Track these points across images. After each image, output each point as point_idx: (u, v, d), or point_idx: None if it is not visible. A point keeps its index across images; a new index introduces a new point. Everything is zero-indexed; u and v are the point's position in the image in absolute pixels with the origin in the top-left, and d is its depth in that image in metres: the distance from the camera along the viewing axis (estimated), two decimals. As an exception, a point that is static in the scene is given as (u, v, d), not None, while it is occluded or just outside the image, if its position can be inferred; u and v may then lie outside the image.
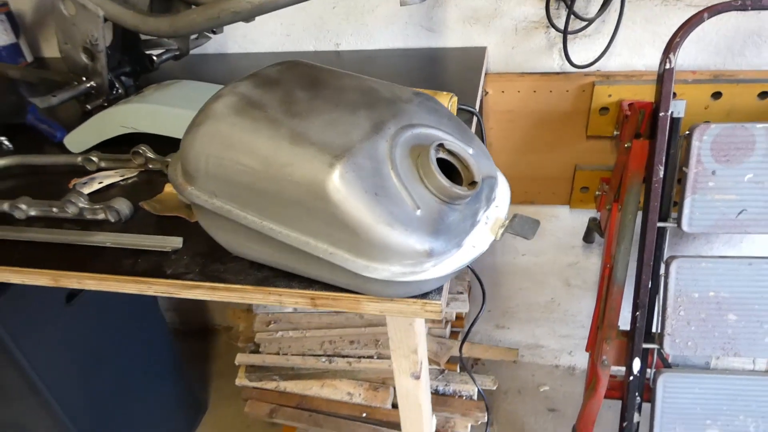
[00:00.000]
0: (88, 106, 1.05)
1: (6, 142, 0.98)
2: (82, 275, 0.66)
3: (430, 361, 1.39)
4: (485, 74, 1.24)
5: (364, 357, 1.35)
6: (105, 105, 1.04)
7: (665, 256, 1.12)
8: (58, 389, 1.18)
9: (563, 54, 1.19)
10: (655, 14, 1.15)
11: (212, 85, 1.00)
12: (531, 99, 1.28)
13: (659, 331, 1.14)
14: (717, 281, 1.09)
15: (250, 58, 1.36)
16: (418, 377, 0.76)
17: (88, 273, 0.66)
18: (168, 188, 0.79)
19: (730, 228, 1.06)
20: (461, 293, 1.45)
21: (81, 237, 0.70)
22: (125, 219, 0.74)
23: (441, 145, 0.55)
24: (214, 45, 1.37)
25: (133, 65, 1.12)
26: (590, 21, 1.14)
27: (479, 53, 1.21)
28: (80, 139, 0.93)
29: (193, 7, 0.91)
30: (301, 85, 0.59)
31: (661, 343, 1.14)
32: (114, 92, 1.08)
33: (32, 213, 0.77)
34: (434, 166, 0.52)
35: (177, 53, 1.18)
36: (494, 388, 1.49)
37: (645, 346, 1.15)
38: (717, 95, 1.17)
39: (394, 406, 1.36)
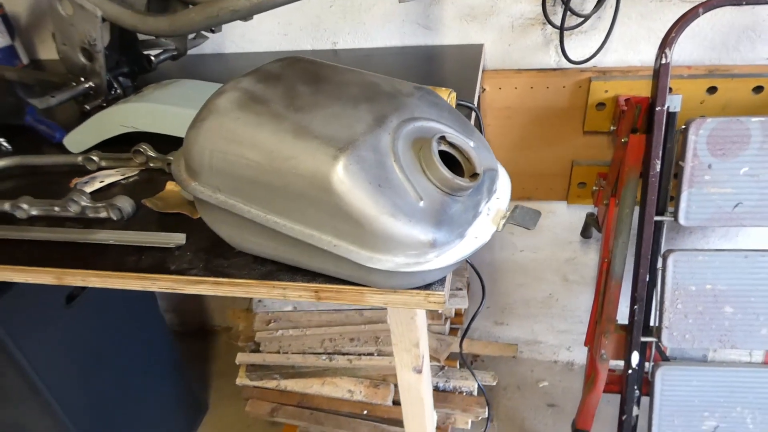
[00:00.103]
0: (87, 107, 1.06)
1: (5, 144, 0.98)
2: (86, 273, 0.66)
3: (430, 358, 1.40)
4: (482, 71, 1.25)
5: (364, 354, 1.36)
6: (103, 105, 1.04)
7: (662, 249, 1.13)
8: (58, 390, 1.18)
9: (560, 50, 1.20)
10: (650, 10, 1.16)
11: (211, 84, 1.00)
12: (528, 95, 1.29)
13: (657, 324, 1.15)
14: (714, 274, 1.10)
15: (247, 57, 1.36)
16: (420, 371, 0.77)
17: (92, 270, 0.66)
18: (169, 186, 0.80)
19: (726, 221, 1.08)
20: (460, 289, 1.45)
21: (84, 235, 0.71)
22: (127, 217, 0.74)
23: (443, 138, 0.55)
24: (211, 45, 1.38)
25: (131, 65, 1.12)
26: (586, 17, 1.15)
27: (476, 50, 1.21)
28: (80, 139, 0.94)
29: (191, 6, 0.92)
30: (303, 80, 0.60)
31: (659, 337, 1.14)
32: (112, 92, 1.08)
33: (34, 212, 0.77)
34: (436, 158, 0.52)
35: (175, 53, 1.18)
36: (494, 383, 1.50)
37: (643, 339, 1.16)
38: (712, 90, 1.19)
39: (395, 403, 1.36)
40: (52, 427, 1.21)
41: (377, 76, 0.63)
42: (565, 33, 1.19)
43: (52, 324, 1.17)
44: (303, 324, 1.41)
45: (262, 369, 1.43)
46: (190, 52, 1.21)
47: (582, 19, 1.16)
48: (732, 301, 1.11)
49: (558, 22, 1.15)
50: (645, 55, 1.22)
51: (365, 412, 1.40)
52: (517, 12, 1.21)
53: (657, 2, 1.15)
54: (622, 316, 1.18)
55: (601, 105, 1.25)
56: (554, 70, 1.26)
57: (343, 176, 0.49)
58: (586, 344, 1.33)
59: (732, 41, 1.17)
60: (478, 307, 1.13)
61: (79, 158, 0.89)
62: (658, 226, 1.11)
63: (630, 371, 1.18)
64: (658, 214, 1.09)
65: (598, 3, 1.14)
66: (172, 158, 0.84)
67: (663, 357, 1.22)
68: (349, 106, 0.56)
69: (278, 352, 1.41)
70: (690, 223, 1.08)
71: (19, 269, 0.69)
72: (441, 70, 1.20)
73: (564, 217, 1.51)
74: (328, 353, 1.37)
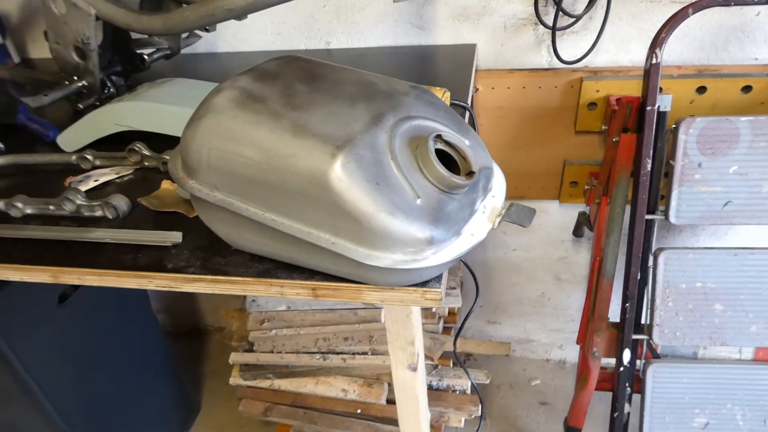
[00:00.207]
0: (80, 106, 1.05)
1: (-3, 142, 0.98)
2: (82, 271, 0.66)
3: (424, 356, 1.40)
4: (475, 71, 1.26)
5: (358, 353, 1.36)
6: (96, 104, 1.04)
7: (653, 248, 1.14)
8: (50, 390, 1.18)
9: (552, 50, 1.21)
10: (640, 11, 1.17)
11: (205, 83, 1.00)
12: (520, 95, 1.30)
13: (648, 322, 1.16)
14: (703, 272, 1.12)
15: (240, 57, 1.36)
16: (415, 369, 0.77)
17: (88, 269, 0.66)
18: (165, 184, 0.80)
19: (716, 219, 1.09)
20: (453, 288, 1.46)
21: (80, 233, 0.71)
22: (123, 215, 0.74)
23: (439, 136, 0.56)
24: (204, 44, 1.38)
25: (124, 64, 1.12)
26: (578, 17, 1.16)
27: (469, 50, 1.22)
28: (74, 137, 0.93)
29: (185, 5, 0.92)
30: (300, 78, 0.60)
31: (650, 334, 1.16)
32: (105, 91, 1.08)
33: (28, 211, 0.77)
34: (433, 157, 0.53)
35: (168, 52, 1.18)
36: (487, 382, 1.51)
37: (635, 337, 1.17)
38: (702, 90, 1.20)
39: (389, 401, 1.36)
40: (44, 428, 1.20)
41: (374, 75, 0.64)
42: (557, 33, 1.20)
43: (45, 324, 1.17)
44: (297, 323, 1.41)
45: (256, 368, 1.43)
46: (183, 51, 1.21)
47: (573, 19, 1.17)
48: (722, 298, 1.12)
49: (550, 23, 1.16)
50: (635, 55, 1.23)
51: (359, 411, 1.40)
52: (509, 12, 1.22)
53: (647, 3, 1.16)
54: (614, 314, 1.19)
55: (592, 105, 1.27)
56: (546, 70, 1.27)
57: (341, 174, 0.49)
58: (578, 342, 1.34)
59: (721, 41, 1.18)
60: (472, 306, 1.14)
61: (73, 157, 0.88)
62: (649, 224, 1.12)
63: (621, 369, 1.19)
64: (649, 212, 1.11)
65: (589, 3, 1.15)
66: (166, 157, 0.84)
67: (654, 354, 1.23)
68: (346, 104, 0.56)
69: (272, 352, 1.41)
70: (680, 221, 1.09)
71: (15, 267, 0.68)
72: (434, 70, 1.20)
73: (556, 216, 1.53)
74: (322, 352, 1.37)
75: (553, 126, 1.34)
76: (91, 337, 1.30)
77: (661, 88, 1.03)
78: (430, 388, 1.45)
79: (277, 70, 0.61)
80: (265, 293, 0.62)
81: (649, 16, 1.17)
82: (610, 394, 1.25)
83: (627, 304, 1.15)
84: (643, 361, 1.20)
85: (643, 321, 1.20)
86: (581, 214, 1.47)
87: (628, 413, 1.24)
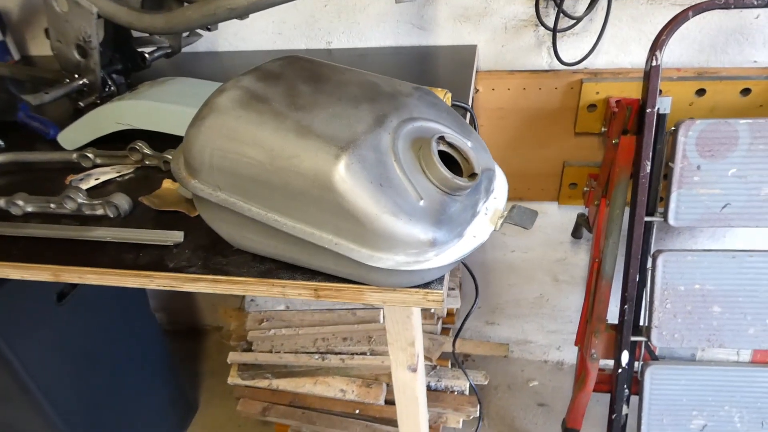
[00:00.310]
0: (81, 104, 1.05)
1: (-3, 140, 0.98)
2: (83, 270, 0.66)
3: (423, 357, 1.40)
4: (476, 72, 1.26)
5: (357, 354, 1.36)
6: (98, 102, 1.04)
7: (652, 250, 1.15)
8: (48, 388, 1.17)
9: (552, 52, 1.21)
10: (641, 13, 1.17)
11: (207, 82, 1.00)
12: (521, 96, 1.30)
13: (647, 324, 1.16)
14: (702, 274, 1.12)
15: (241, 56, 1.36)
16: (414, 370, 0.77)
17: (89, 267, 0.66)
18: (166, 184, 0.80)
19: (715, 222, 1.09)
20: (452, 289, 1.46)
21: (81, 232, 0.71)
22: (124, 214, 0.74)
23: (442, 138, 0.56)
24: (205, 43, 1.38)
25: (125, 63, 1.12)
26: (578, 19, 1.16)
27: (470, 51, 1.22)
28: (74, 136, 0.93)
29: (186, 4, 0.92)
30: (303, 79, 0.60)
31: (648, 336, 1.16)
32: (106, 90, 1.08)
33: (29, 209, 0.77)
34: (436, 158, 0.53)
35: (169, 51, 1.18)
36: (485, 383, 1.51)
37: (633, 339, 1.18)
38: (701, 92, 1.20)
39: (387, 402, 1.36)
40: (42, 426, 1.20)
41: (376, 76, 0.64)
42: (558, 35, 1.20)
43: (43, 322, 1.17)
44: (296, 323, 1.41)
45: (254, 368, 1.43)
46: (183, 50, 1.21)
47: (574, 21, 1.17)
48: (720, 300, 1.13)
49: (551, 24, 1.17)
50: (635, 57, 1.23)
51: (357, 411, 1.40)
52: (510, 13, 1.22)
53: (648, 5, 1.16)
54: (612, 315, 1.20)
55: (592, 106, 1.27)
56: (546, 71, 1.28)
57: (344, 175, 0.50)
58: (576, 344, 1.34)
59: (720, 44, 1.19)
60: (471, 307, 1.14)
61: (74, 155, 0.88)
62: (648, 226, 1.13)
63: (620, 370, 1.19)
64: (648, 214, 1.11)
65: (590, 5, 1.15)
66: (168, 156, 0.84)
67: (652, 356, 1.24)
68: (349, 105, 0.56)
69: (270, 352, 1.41)
70: (679, 223, 1.10)
71: (16, 266, 0.68)
72: (435, 71, 1.20)
73: (555, 218, 1.53)
74: (321, 353, 1.37)
75: (553, 127, 1.34)
76: (90, 335, 1.30)
77: (660, 91, 1.04)
78: (428, 388, 1.45)
79: (280, 71, 0.62)
80: (267, 293, 0.62)
81: (650, 18, 1.18)
82: (608, 395, 1.25)
83: (625, 306, 1.15)
84: (641, 362, 1.21)
85: (641, 323, 1.20)
86: (580, 216, 1.47)
87: (626, 415, 1.24)
